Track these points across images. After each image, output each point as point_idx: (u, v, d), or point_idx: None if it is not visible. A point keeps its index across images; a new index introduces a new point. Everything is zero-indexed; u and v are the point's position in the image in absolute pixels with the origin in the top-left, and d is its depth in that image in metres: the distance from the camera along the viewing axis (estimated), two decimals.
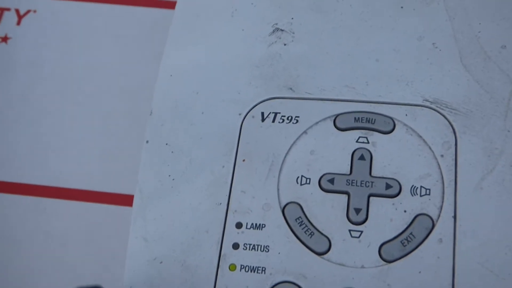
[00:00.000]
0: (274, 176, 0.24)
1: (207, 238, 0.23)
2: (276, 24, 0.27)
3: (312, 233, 0.23)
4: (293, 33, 0.27)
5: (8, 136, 0.37)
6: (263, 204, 0.24)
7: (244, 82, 0.26)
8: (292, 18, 0.27)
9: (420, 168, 0.23)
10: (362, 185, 0.23)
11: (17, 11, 0.41)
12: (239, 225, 0.23)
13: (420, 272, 0.22)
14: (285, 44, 0.27)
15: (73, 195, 0.35)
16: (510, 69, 0.24)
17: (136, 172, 0.25)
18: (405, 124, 0.24)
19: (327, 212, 0.23)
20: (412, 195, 0.23)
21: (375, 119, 0.24)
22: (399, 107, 0.24)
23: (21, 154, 0.36)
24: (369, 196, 0.23)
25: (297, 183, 0.24)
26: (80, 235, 0.33)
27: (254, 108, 0.25)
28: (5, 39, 0.40)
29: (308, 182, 0.24)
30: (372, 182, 0.23)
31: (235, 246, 0.23)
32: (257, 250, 0.23)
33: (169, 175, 0.25)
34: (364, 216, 0.23)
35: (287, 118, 0.25)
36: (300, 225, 0.23)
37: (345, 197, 0.23)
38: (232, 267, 0.23)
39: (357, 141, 0.24)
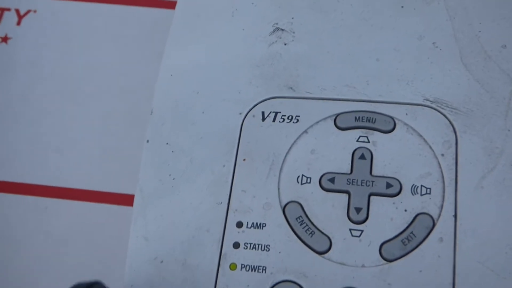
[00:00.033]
0: (275, 176, 0.24)
1: (207, 238, 0.23)
2: (277, 23, 0.27)
3: (312, 232, 0.23)
4: (294, 32, 0.27)
5: (8, 135, 0.37)
6: (263, 203, 0.24)
7: (244, 82, 0.26)
8: (293, 18, 0.27)
9: (420, 167, 0.23)
10: (363, 184, 0.23)
11: (17, 11, 0.41)
12: (239, 224, 0.23)
13: (420, 271, 0.22)
14: (285, 44, 0.27)
15: (73, 194, 0.35)
16: (510, 68, 0.24)
17: (136, 171, 0.25)
18: (405, 124, 0.24)
19: (328, 211, 0.23)
20: (413, 194, 0.23)
21: (375, 119, 0.24)
22: (400, 106, 0.24)
23: (21, 153, 0.36)
24: (369, 195, 0.23)
25: (298, 182, 0.24)
26: (81, 235, 0.33)
27: (255, 107, 0.25)
28: (5, 39, 0.40)
29: (308, 181, 0.24)
30: (372, 181, 0.23)
31: (236, 245, 0.23)
32: (258, 249, 0.23)
33: (170, 175, 0.25)
34: (364, 215, 0.23)
35: (288, 118, 0.25)
36: (300, 224, 0.23)
37: (345, 196, 0.23)
38: (232, 266, 0.23)
39: (357, 141, 0.24)
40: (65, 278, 0.32)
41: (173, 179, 0.25)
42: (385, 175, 0.23)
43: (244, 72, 0.26)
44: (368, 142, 0.24)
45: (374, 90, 0.25)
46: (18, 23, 0.40)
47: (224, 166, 0.25)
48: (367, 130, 0.24)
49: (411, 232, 0.22)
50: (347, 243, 0.23)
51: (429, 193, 0.23)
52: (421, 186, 0.23)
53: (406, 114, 0.24)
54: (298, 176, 0.24)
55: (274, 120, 0.25)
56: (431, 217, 0.22)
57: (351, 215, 0.23)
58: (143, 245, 0.24)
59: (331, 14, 0.27)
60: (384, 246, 0.22)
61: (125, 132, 0.36)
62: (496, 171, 0.23)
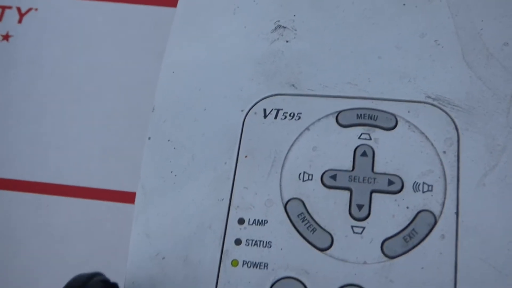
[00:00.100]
0: (277, 172, 0.24)
1: (209, 234, 0.23)
2: (278, 21, 0.27)
3: (314, 229, 0.23)
4: (295, 30, 0.27)
5: (9, 133, 0.37)
6: (265, 200, 0.24)
7: (246, 79, 0.26)
8: (294, 15, 0.27)
9: (422, 165, 0.23)
10: (365, 181, 0.23)
11: (18, 9, 0.41)
12: (241, 221, 0.23)
13: (422, 268, 0.22)
14: (287, 41, 0.27)
15: (74, 192, 0.35)
16: None
17: (137, 169, 0.25)
18: (407, 121, 0.24)
19: (330, 208, 0.23)
20: (415, 191, 0.23)
21: (377, 116, 0.24)
22: (402, 103, 0.24)
23: (22, 151, 0.36)
24: (371, 192, 0.23)
25: (299, 179, 0.24)
26: (81, 232, 0.33)
27: (257, 104, 0.25)
28: (6, 37, 0.40)
29: (310, 178, 0.24)
30: (374, 178, 0.23)
31: (238, 242, 0.23)
32: (259, 246, 0.23)
33: (172, 171, 0.25)
34: (366, 212, 0.23)
35: (289, 115, 0.25)
36: (302, 221, 0.23)
37: (347, 193, 0.23)
38: (234, 263, 0.23)
39: (359, 138, 0.24)
40: (66, 275, 0.32)
41: (175, 175, 0.25)
42: (387, 172, 0.23)
43: (246, 70, 0.26)
44: (370, 139, 0.24)
45: (376, 87, 0.25)
46: (19, 21, 0.40)
47: (225, 163, 0.25)
48: (369, 127, 0.24)
49: (413, 229, 0.22)
50: (349, 240, 0.23)
51: (431, 190, 0.23)
52: (423, 183, 0.23)
53: (408, 111, 0.24)
54: (300, 173, 0.24)
55: (276, 117, 0.25)
56: (433, 214, 0.22)
57: (352, 212, 0.23)
58: (145, 242, 0.24)
59: (332, 11, 0.27)
60: (386, 243, 0.22)
61: (125, 130, 0.36)
62: (498, 168, 0.23)
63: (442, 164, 0.23)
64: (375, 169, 0.23)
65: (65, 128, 0.37)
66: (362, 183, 0.23)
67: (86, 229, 0.33)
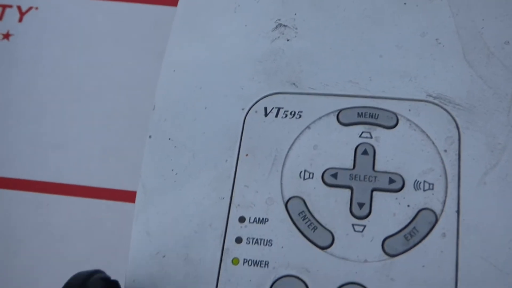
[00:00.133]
0: (277, 171, 0.24)
1: (210, 232, 0.23)
2: (279, 19, 0.27)
3: (315, 227, 0.23)
4: (296, 28, 0.27)
5: (9, 132, 0.37)
6: (266, 198, 0.24)
7: (247, 77, 0.26)
8: (295, 14, 0.27)
9: (423, 163, 0.23)
10: (365, 179, 0.23)
11: (19, 8, 0.41)
12: (242, 219, 0.23)
13: (423, 266, 0.22)
14: (288, 40, 0.27)
15: (74, 191, 0.35)
16: None
17: (137, 168, 0.25)
18: (408, 119, 0.24)
19: (330, 206, 0.23)
20: (416, 190, 0.23)
21: (378, 114, 0.24)
22: (402, 102, 0.24)
23: (22, 150, 0.36)
24: (372, 191, 0.23)
25: (300, 177, 0.24)
26: (82, 231, 0.33)
27: (257, 103, 0.25)
28: (7, 36, 0.40)
29: (311, 176, 0.24)
30: (375, 177, 0.23)
31: (238, 240, 0.23)
32: (260, 244, 0.23)
33: (172, 170, 0.25)
34: (367, 211, 0.23)
35: (290, 113, 0.25)
36: (303, 219, 0.23)
37: (348, 191, 0.23)
38: (235, 261, 0.23)
39: (360, 136, 0.24)
40: (66, 273, 0.32)
41: (176, 174, 0.25)
42: (387, 170, 0.23)
43: (246, 68, 0.26)
44: (371, 137, 0.24)
45: (377, 86, 0.25)
46: (20, 20, 0.40)
47: (226, 161, 0.25)
48: (369, 125, 0.24)
49: (414, 228, 0.22)
50: (350, 238, 0.23)
51: (432, 189, 0.23)
52: (424, 181, 0.23)
53: (409, 110, 0.24)
54: (301, 172, 0.24)
55: (276, 116, 0.25)
56: (434, 212, 0.22)
57: (353, 210, 0.23)
58: (146, 240, 0.24)
59: (333, 10, 0.27)
60: (387, 241, 0.22)
61: (125, 129, 0.36)
62: (499, 167, 0.23)
63: (443, 162, 0.23)
64: (376, 168, 0.23)
65: (65, 127, 0.37)
66: (363, 181, 0.23)
67: (86, 228, 0.33)
